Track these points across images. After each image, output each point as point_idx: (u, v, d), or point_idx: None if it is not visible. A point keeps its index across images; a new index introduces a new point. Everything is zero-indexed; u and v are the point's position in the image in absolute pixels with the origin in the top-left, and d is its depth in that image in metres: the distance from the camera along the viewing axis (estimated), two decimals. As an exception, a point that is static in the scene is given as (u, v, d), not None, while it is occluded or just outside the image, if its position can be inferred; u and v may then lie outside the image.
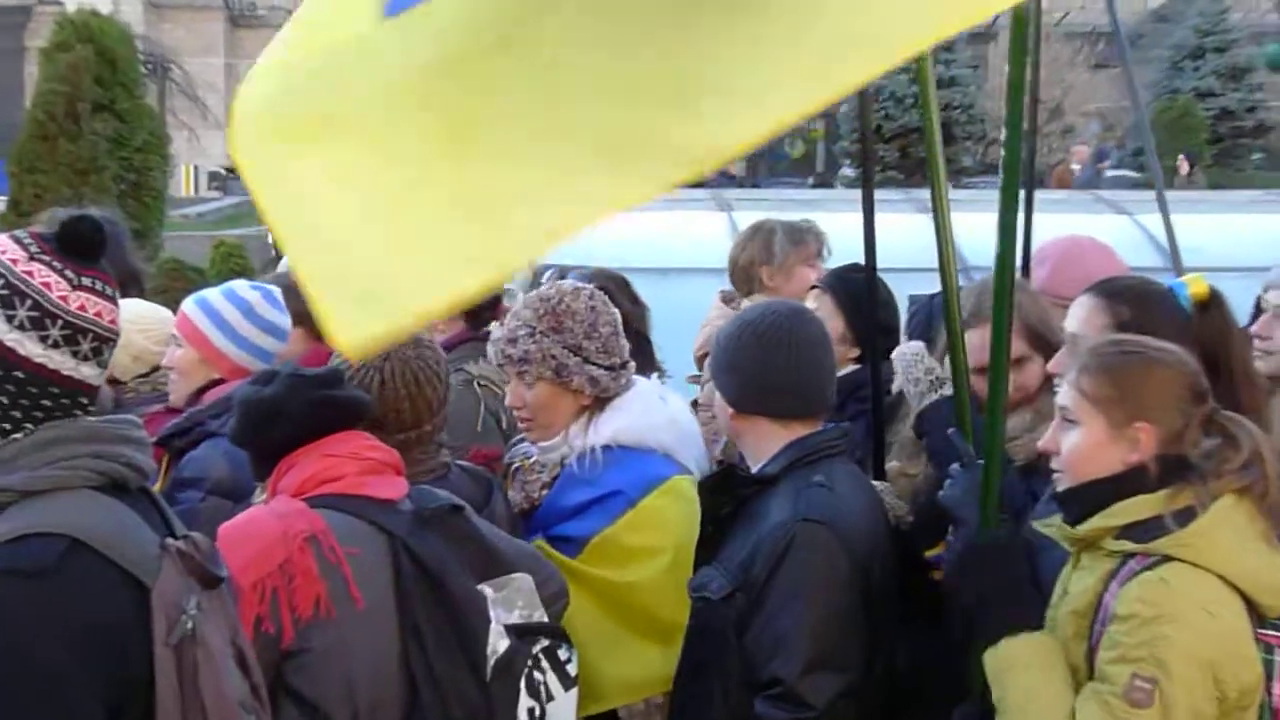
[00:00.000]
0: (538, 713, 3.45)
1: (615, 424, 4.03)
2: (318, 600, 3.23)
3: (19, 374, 2.57)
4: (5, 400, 2.58)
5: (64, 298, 2.59)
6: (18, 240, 2.62)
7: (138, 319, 4.78)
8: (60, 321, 2.58)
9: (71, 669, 2.42)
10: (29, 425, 2.59)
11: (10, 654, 2.39)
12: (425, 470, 3.71)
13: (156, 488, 4.04)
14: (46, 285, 2.59)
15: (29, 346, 2.57)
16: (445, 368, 3.79)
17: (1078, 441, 3.10)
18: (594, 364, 4.03)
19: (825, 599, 3.45)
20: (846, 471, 3.70)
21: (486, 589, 3.44)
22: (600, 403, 4.06)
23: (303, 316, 4.48)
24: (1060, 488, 3.15)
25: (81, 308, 2.60)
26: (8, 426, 2.58)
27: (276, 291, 4.49)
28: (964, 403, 3.54)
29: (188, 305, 4.48)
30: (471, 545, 3.48)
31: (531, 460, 4.14)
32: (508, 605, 3.46)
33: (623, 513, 3.95)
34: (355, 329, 2.14)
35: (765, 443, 3.68)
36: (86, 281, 2.62)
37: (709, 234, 9.87)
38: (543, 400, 4.04)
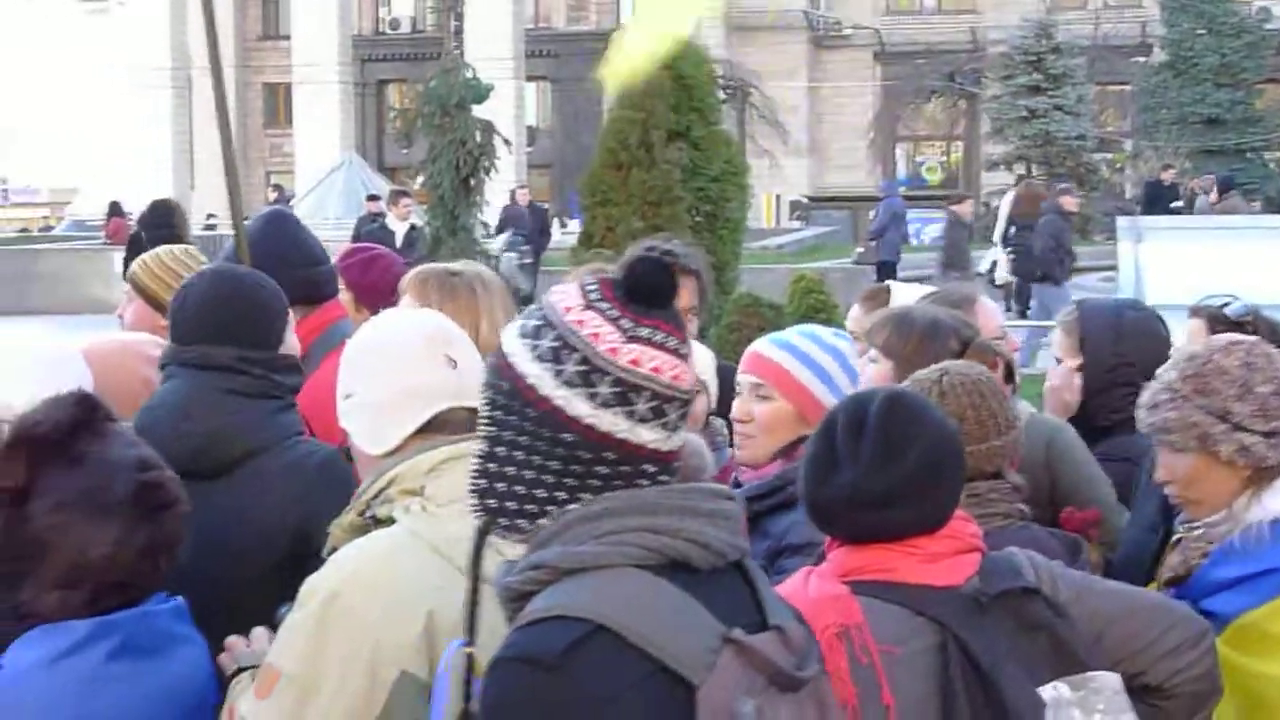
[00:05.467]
0: None
1: None
2: (847, 707, 2.92)
3: (567, 436, 2.43)
4: (556, 465, 2.45)
5: (613, 350, 2.43)
6: (582, 285, 2.49)
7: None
8: (609, 378, 2.42)
9: None
10: (585, 496, 2.43)
11: None
12: (999, 513, 3.59)
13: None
14: (594, 336, 2.44)
15: (577, 405, 2.42)
16: (1009, 400, 3.68)
17: None
18: (1246, 430, 3.66)
19: None
20: None
21: (1062, 688, 3.09)
22: (1270, 472, 3.68)
23: None
24: None
25: (634, 362, 2.43)
26: (562, 496, 2.45)
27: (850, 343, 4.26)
28: None
29: (773, 352, 4.14)
30: (1045, 636, 3.13)
31: (1196, 533, 3.80)
32: (1085, 708, 3.09)
33: (1276, 595, 3.57)
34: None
35: None
36: (644, 332, 2.44)
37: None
38: (1192, 474, 3.72)
